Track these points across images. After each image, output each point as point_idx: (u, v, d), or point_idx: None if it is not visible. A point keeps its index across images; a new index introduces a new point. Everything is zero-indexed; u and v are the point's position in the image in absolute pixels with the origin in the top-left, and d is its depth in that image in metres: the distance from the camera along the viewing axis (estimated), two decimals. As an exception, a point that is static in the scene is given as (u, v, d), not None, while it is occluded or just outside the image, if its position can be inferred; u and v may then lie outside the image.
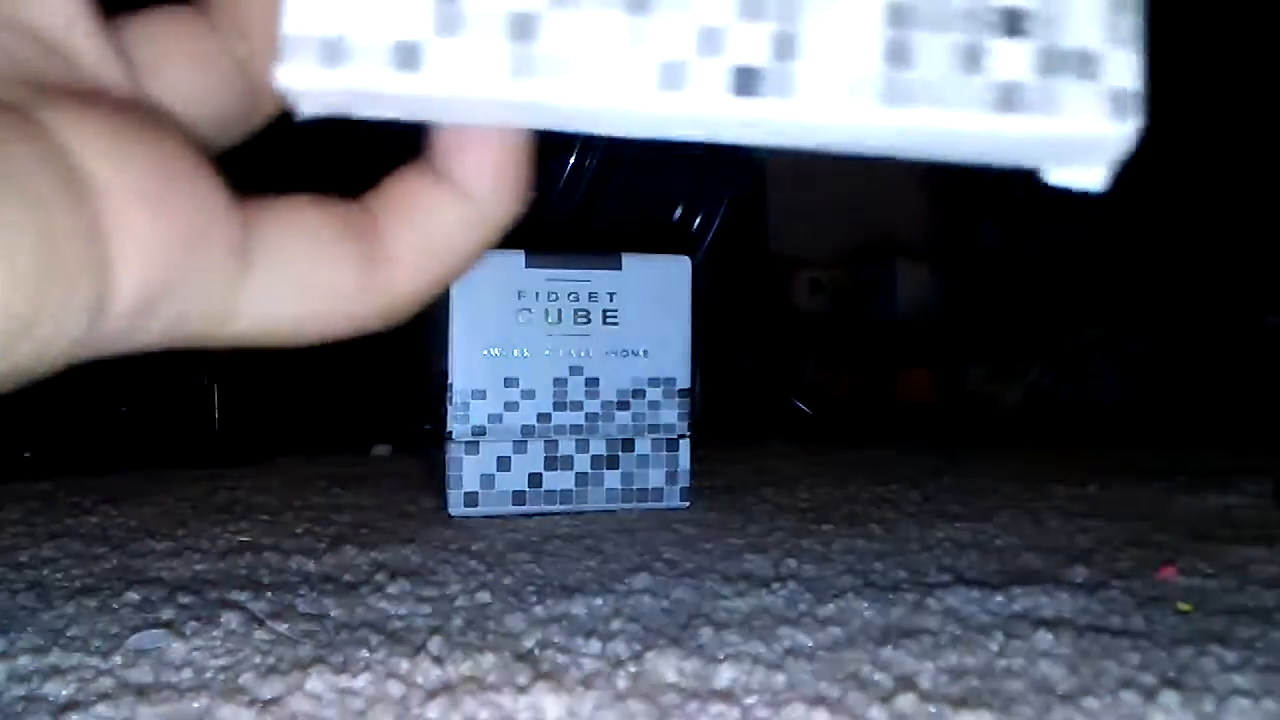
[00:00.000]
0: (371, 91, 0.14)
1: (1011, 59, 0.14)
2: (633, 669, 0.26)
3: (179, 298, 0.15)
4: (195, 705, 0.24)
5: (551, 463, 0.48)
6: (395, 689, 0.24)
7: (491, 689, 0.24)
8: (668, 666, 0.26)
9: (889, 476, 0.59)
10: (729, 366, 0.88)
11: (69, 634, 0.29)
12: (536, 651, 0.27)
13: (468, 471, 0.47)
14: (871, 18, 0.14)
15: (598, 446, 0.48)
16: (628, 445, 0.49)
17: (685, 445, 0.50)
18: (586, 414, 0.48)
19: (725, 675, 0.25)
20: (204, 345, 0.16)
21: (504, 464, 0.47)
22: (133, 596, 0.32)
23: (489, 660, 0.26)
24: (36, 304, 0.13)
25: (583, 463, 0.48)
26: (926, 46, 0.14)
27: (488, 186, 0.17)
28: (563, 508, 0.48)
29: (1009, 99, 0.14)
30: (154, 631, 0.29)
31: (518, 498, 0.47)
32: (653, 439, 0.49)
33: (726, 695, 0.24)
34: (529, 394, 0.47)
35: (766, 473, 0.62)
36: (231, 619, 0.30)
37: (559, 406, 0.48)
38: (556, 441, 0.48)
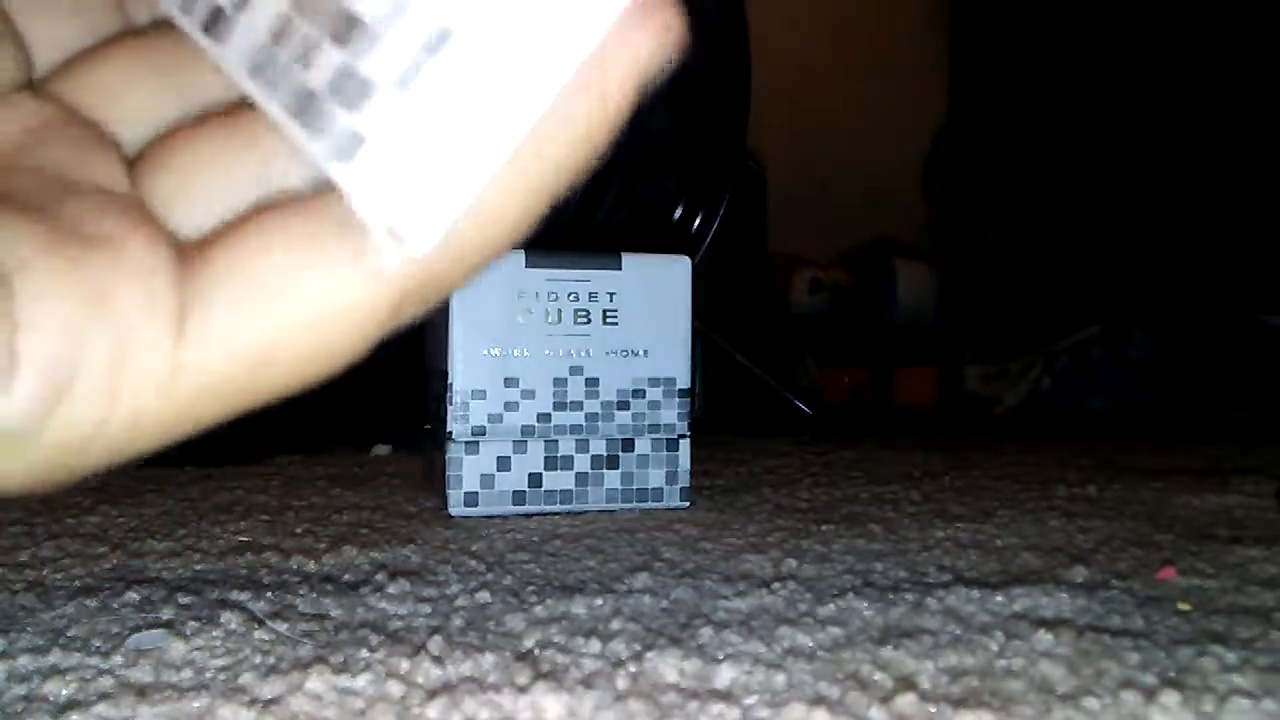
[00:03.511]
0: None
1: (326, 63, 0.14)
2: (633, 669, 0.26)
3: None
4: (195, 705, 0.24)
5: (551, 463, 0.48)
6: (395, 689, 0.24)
7: (491, 689, 0.24)
8: (668, 666, 0.26)
9: (889, 476, 0.59)
10: (729, 366, 0.88)
11: (69, 634, 0.29)
12: (536, 651, 0.27)
13: (468, 471, 0.47)
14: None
15: (598, 446, 0.48)
16: (628, 445, 0.49)
17: (685, 445, 0.50)
18: (586, 414, 0.48)
19: (725, 675, 0.25)
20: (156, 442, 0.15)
21: (504, 464, 0.47)
22: (133, 596, 0.32)
23: (489, 660, 0.26)
24: None
25: (583, 463, 0.48)
26: (294, 29, 0.15)
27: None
28: (563, 508, 0.48)
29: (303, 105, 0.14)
30: (154, 631, 0.29)
31: (518, 498, 0.48)
32: (653, 439, 0.49)
33: (726, 695, 0.24)
34: (529, 394, 0.47)
35: (766, 473, 0.62)
36: (231, 619, 0.30)
37: (559, 406, 0.48)
38: (556, 441, 0.48)
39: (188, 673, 0.26)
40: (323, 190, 0.15)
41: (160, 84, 0.17)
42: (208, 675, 0.26)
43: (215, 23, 0.16)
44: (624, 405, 0.48)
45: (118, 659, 0.27)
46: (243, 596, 0.33)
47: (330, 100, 0.14)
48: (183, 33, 0.17)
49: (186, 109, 0.17)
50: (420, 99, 0.13)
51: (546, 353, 0.47)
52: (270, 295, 0.14)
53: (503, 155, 0.14)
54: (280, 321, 0.14)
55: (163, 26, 0.18)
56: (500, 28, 0.13)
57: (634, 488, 0.49)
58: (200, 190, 0.16)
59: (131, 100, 0.17)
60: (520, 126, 0.14)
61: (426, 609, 0.32)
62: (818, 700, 0.24)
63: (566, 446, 0.48)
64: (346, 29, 0.14)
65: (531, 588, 0.34)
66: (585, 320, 0.48)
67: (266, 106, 0.15)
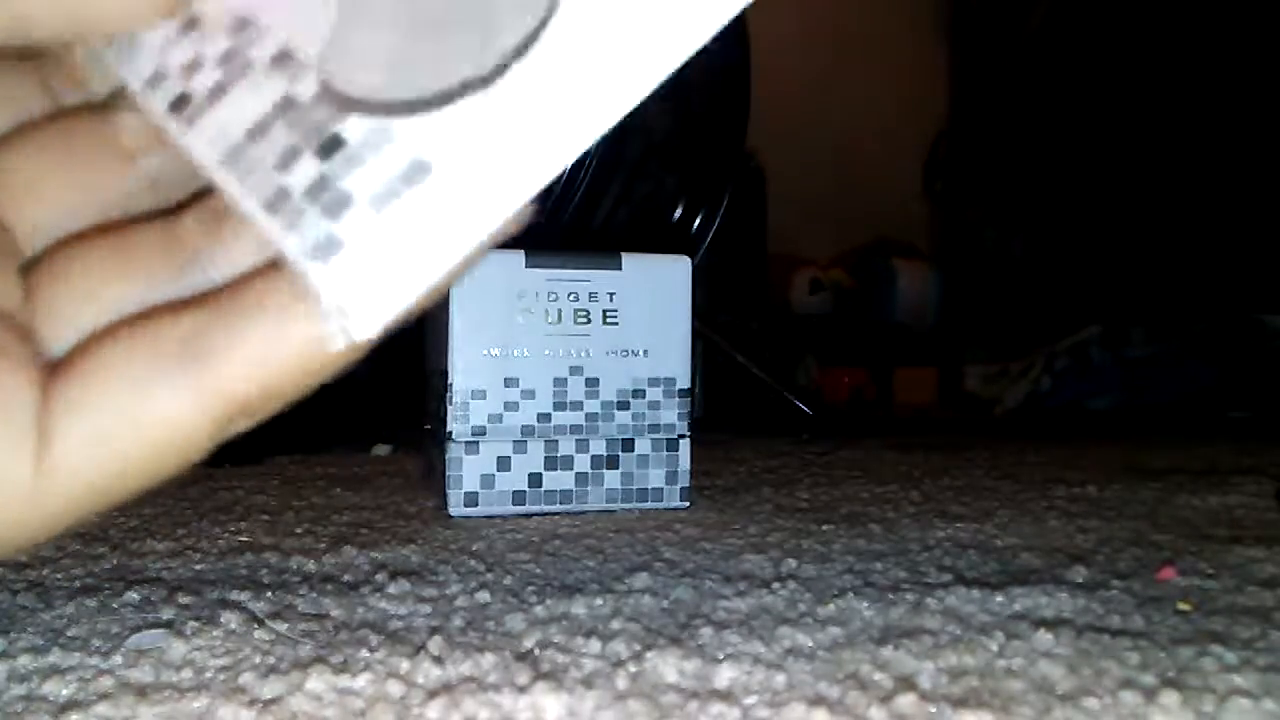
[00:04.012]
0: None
1: (304, 172, 0.16)
2: (633, 669, 0.26)
3: None
4: (195, 705, 0.24)
5: (551, 463, 0.48)
6: (395, 689, 0.24)
7: (491, 689, 0.24)
8: (668, 666, 0.26)
9: (889, 476, 0.59)
10: (729, 366, 0.88)
11: (69, 634, 0.29)
12: (536, 651, 0.27)
13: (468, 471, 0.47)
14: (264, 104, 0.17)
15: (598, 446, 0.48)
16: (628, 445, 0.49)
17: (685, 445, 0.50)
18: (586, 414, 0.48)
19: (725, 675, 0.25)
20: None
21: (504, 464, 0.47)
22: (133, 596, 0.32)
23: (489, 660, 0.26)
24: None
25: (583, 463, 0.48)
26: (273, 134, 0.17)
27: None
28: (563, 508, 0.48)
29: (274, 203, 0.16)
30: (154, 631, 0.29)
31: (518, 498, 0.48)
32: (653, 439, 0.49)
33: (726, 695, 0.24)
34: (529, 394, 0.47)
35: (766, 473, 0.62)
36: (231, 619, 0.30)
37: (559, 406, 0.48)
38: (556, 441, 0.48)
39: (188, 673, 0.26)
40: (174, 307, 0.17)
41: (69, 180, 0.18)
42: (208, 675, 0.26)
43: (182, 106, 0.17)
44: (624, 405, 0.48)
45: (118, 659, 0.27)
46: (243, 596, 0.33)
47: (306, 203, 0.16)
48: (111, 114, 0.19)
49: (89, 212, 0.18)
50: (393, 221, 0.16)
51: (546, 353, 0.47)
52: (116, 419, 0.16)
53: (449, 269, 0.16)
54: (127, 442, 0.16)
55: (88, 111, 0.19)
56: (470, 168, 0.16)
57: (634, 488, 0.49)
58: (77, 308, 0.17)
59: (39, 197, 0.18)
60: (470, 247, 0.16)
61: (426, 609, 0.32)
62: (818, 700, 0.24)
63: (566, 446, 0.48)
64: (330, 147, 0.16)
65: (531, 588, 0.34)
66: (585, 320, 0.48)
67: (233, 193, 0.17)
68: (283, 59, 0.17)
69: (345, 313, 0.16)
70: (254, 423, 0.18)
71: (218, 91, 0.17)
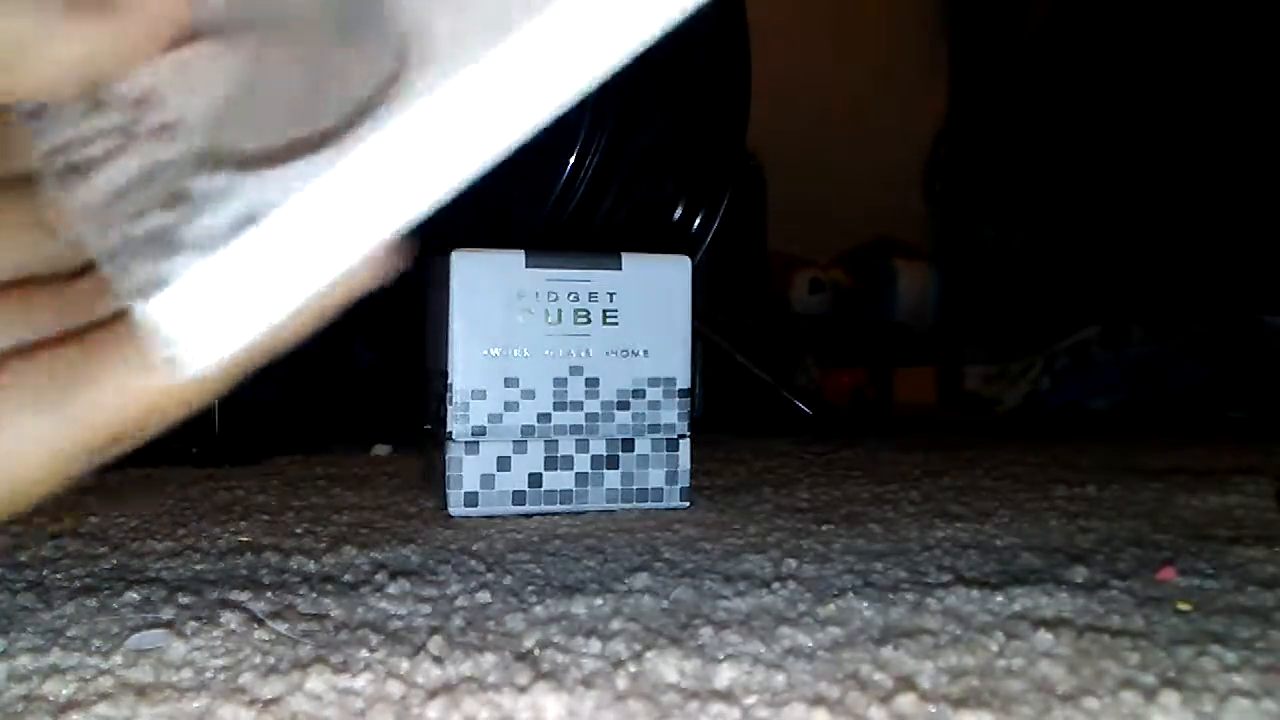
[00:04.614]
0: None
1: (149, 223, 0.18)
2: (633, 669, 0.26)
3: None
4: (195, 705, 0.24)
5: (551, 463, 0.48)
6: (395, 689, 0.24)
7: (491, 689, 0.24)
8: (668, 666, 0.26)
9: (889, 476, 0.59)
10: (729, 366, 0.88)
11: (69, 634, 0.29)
12: (536, 651, 0.27)
13: (468, 471, 0.47)
14: (133, 168, 0.18)
15: (598, 446, 0.48)
16: (628, 445, 0.49)
17: (685, 445, 0.50)
18: (586, 414, 0.48)
19: (725, 675, 0.25)
20: None
21: (504, 464, 0.47)
22: (133, 596, 0.32)
23: (489, 660, 0.26)
24: None
25: (583, 463, 0.48)
26: (133, 194, 0.18)
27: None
28: (563, 508, 0.48)
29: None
30: (154, 631, 0.29)
31: (518, 498, 0.47)
32: (653, 439, 0.49)
33: (726, 695, 0.24)
34: (529, 394, 0.47)
35: (766, 473, 0.62)
36: (231, 619, 0.30)
37: (559, 406, 0.48)
38: (556, 441, 0.48)
39: (188, 673, 0.26)
40: (46, 344, 0.18)
41: None
42: (208, 675, 0.26)
43: (68, 175, 0.19)
44: (624, 405, 0.48)
45: (118, 659, 0.27)
46: (243, 596, 0.33)
47: (143, 249, 0.17)
48: (38, 187, 0.20)
49: (3, 274, 0.20)
50: (217, 266, 0.17)
51: (546, 353, 0.47)
52: None
53: (272, 321, 0.17)
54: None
55: (19, 182, 0.21)
56: (298, 220, 0.17)
57: (634, 488, 0.49)
58: None
59: None
60: (298, 297, 0.17)
61: (426, 609, 0.32)
62: (818, 700, 0.24)
63: (566, 446, 0.48)
64: (176, 200, 0.17)
65: (531, 588, 0.34)
66: (585, 320, 0.48)
67: (89, 243, 0.18)
68: (164, 129, 0.19)
69: (169, 348, 0.17)
70: (124, 449, 0.19)
71: (102, 160, 0.19)
